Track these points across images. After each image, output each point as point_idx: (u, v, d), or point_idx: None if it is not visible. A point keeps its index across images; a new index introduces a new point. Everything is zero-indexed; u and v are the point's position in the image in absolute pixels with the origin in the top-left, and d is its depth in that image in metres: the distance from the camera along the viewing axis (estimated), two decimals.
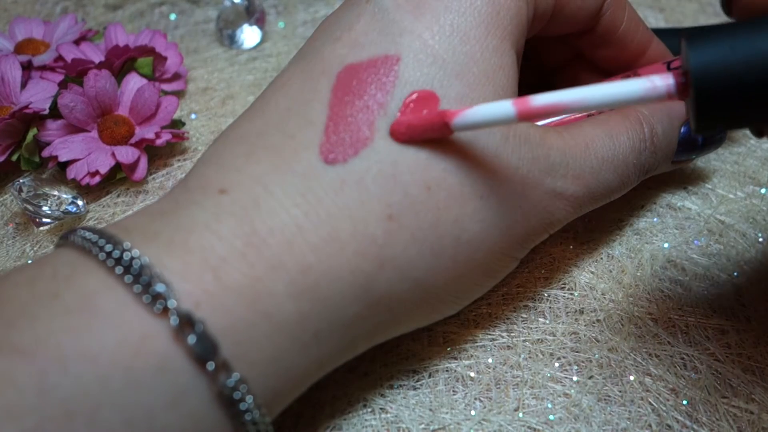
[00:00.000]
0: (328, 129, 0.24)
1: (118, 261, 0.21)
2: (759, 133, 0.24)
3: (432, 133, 0.24)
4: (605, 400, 0.28)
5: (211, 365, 0.20)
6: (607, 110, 0.31)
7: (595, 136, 0.28)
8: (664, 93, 0.21)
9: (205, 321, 0.21)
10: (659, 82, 0.21)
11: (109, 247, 0.21)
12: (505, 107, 0.23)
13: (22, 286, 0.21)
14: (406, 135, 0.24)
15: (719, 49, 0.20)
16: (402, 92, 0.25)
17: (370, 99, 0.25)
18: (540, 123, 0.30)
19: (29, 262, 0.32)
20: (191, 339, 0.20)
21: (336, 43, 0.26)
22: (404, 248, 0.24)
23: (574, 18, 0.30)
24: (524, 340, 0.29)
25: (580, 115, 0.31)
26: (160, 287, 0.21)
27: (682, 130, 0.31)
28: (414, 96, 0.25)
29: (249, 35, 0.41)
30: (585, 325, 0.30)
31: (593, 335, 0.29)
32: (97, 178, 0.33)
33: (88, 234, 0.22)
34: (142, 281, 0.21)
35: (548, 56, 0.34)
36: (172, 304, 0.20)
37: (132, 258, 0.21)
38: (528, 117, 0.23)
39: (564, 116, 0.31)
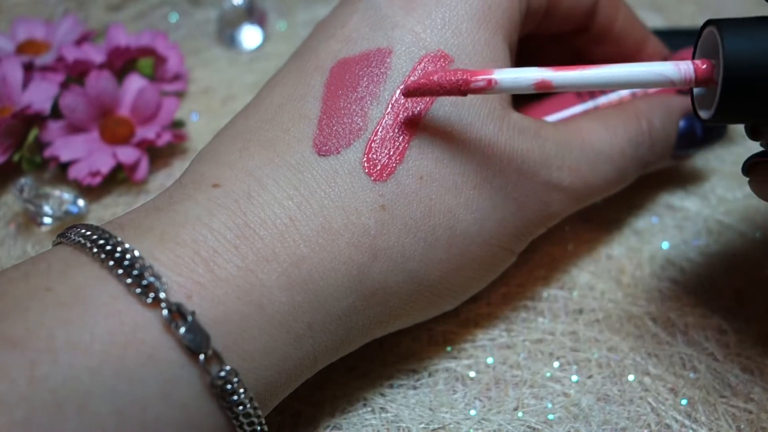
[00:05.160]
0: (321, 122, 0.25)
1: (110, 254, 0.21)
2: (754, 134, 0.24)
3: (448, 91, 0.24)
4: (604, 399, 0.28)
5: (202, 356, 0.21)
6: (607, 105, 0.31)
7: (592, 129, 0.28)
8: (684, 78, 0.22)
9: (197, 312, 0.21)
10: (683, 66, 0.22)
11: (101, 242, 0.22)
12: (528, 78, 0.23)
13: (16, 281, 0.21)
14: (420, 90, 0.24)
15: (754, 39, 0.21)
16: (394, 83, 0.25)
17: (362, 91, 0.25)
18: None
19: None
20: (182, 330, 0.20)
21: (329, 40, 0.26)
22: (397, 238, 0.24)
23: (569, 16, 0.30)
24: (524, 340, 0.29)
25: (577, 111, 0.31)
26: (151, 279, 0.21)
27: (681, 124, 0.31)
28: (427, 58, 0.25)
29: (250, 36, 0.41)
30: (584, 325, 0.30)
31: (592, 335, 0.29)
32: (99, 179, 0.33)
33: (82, 230, 0.22)
34: (133, 273, 0.21)
35: (545, 57, 0.34)
36: (162, 295, 0.21)
37: (124, 251, 0.21)
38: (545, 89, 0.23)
39: (563, 114, 0.31)
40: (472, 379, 0.28)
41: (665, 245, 0.32)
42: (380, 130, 0.25)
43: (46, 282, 0.21)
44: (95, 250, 0.21)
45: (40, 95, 0.34)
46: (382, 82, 0.25)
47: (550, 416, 0.27)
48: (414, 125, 0.25)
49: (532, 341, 0.29)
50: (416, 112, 0.25)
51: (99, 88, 0.34)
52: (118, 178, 0.34)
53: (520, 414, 0.27)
